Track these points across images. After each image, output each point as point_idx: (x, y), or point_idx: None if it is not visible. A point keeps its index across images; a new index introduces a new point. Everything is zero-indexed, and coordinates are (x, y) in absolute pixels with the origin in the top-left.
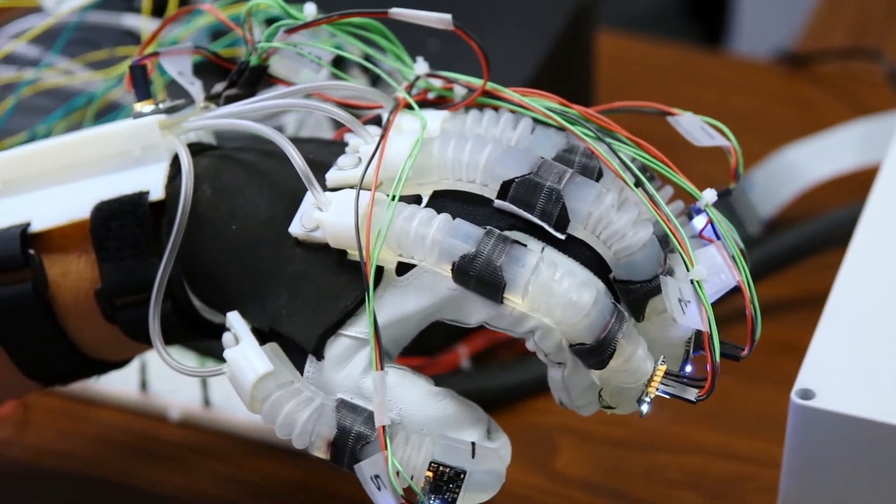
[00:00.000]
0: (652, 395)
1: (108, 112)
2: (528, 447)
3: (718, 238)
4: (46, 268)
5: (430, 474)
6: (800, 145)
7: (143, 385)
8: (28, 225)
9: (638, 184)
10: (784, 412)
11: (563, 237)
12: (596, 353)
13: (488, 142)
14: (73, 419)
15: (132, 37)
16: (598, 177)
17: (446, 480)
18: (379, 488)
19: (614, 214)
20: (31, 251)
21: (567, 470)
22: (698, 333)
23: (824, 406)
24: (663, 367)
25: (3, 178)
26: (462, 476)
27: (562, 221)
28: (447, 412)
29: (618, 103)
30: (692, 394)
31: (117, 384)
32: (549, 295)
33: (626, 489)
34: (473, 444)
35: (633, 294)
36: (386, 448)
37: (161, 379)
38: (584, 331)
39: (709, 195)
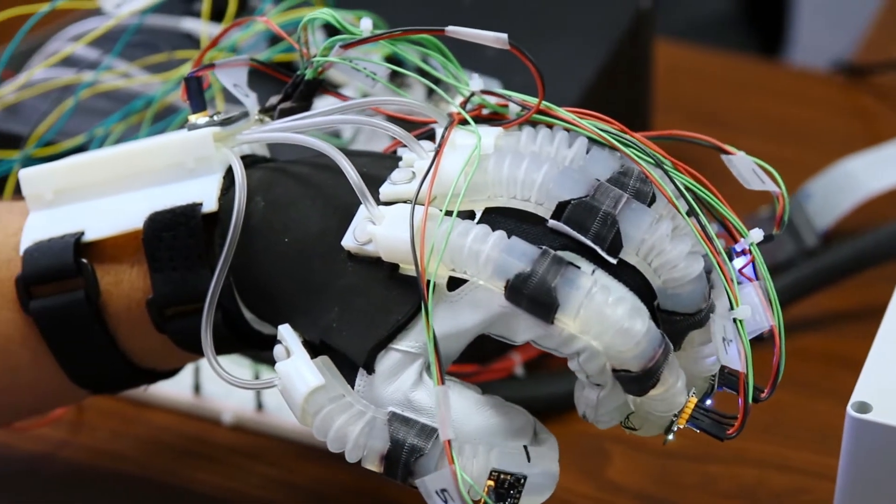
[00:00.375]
0: (681, 427)
1: (166, 115)
2: (579, 456)
3: (757, 278)
4: (99, 277)
5: (492, 483)
6: (858, 156)
7: (197, 388)
8: (81, 234)
9: (690, 213)
10: (840, 425)
11: (614, 262)
12: (639, 381)
13: (544, 161)
14: (126, 421)
15: (191, 40)
16: (651, 202)
17: (507, 487)
18: (445, 501)
19: (668, 244)
20: (84, 260)
21: (618, 479)
22: (723, 369)
23: (881, 420)
24: (693, 400)
25: (57, 187)
26: (522, 481)
27: (615, 246)
28: (496, 420)
29: (673, 131)
30: (721, 430)
31: (170, 387)
32: (601, 320)
33: (678, 500)
34: (525, 447)
35: (675, 325)
36: (453, 462)
37: (214, 382)
38: (633, 359)
39: (755, 234)
